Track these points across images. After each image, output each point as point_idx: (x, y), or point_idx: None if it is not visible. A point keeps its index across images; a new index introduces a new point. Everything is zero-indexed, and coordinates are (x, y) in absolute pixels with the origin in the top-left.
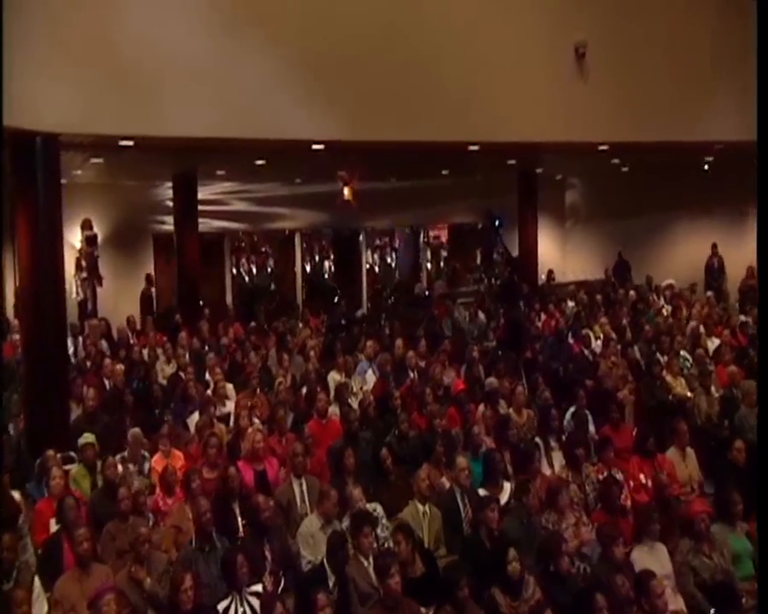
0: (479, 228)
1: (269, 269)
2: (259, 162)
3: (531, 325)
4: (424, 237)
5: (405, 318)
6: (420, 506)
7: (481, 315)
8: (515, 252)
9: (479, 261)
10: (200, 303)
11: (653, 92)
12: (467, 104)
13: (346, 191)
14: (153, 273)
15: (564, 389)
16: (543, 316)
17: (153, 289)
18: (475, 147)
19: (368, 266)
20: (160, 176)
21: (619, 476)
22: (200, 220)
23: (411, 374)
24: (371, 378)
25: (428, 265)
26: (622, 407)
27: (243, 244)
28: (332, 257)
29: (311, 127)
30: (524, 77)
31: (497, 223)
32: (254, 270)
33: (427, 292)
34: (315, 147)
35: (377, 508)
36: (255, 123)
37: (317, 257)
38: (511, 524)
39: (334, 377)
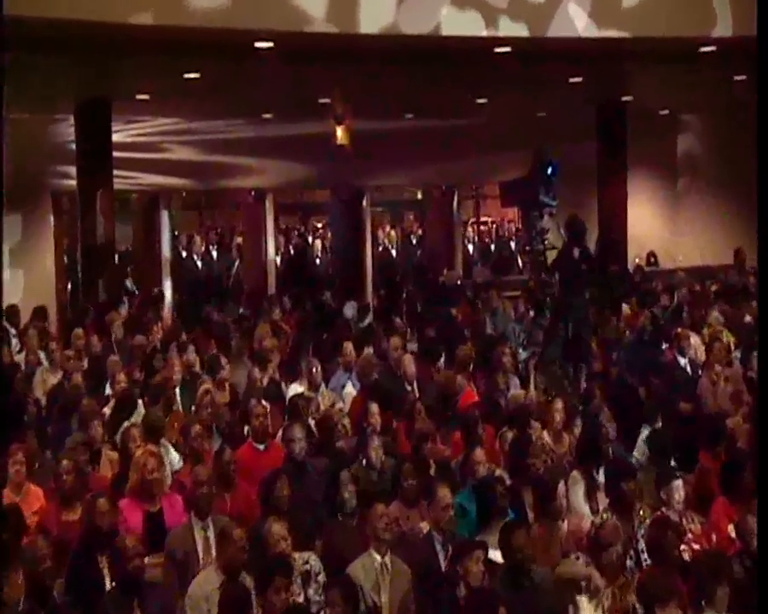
0: (524, 181)
1: (233, 250)
2: (190, 75)
3: (606, 324)
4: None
5: (420, 315)
6: (377, 557)
7: (532, 313)
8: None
9: (533, 233)
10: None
11: None
12: None
13: (339, 131)
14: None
15: (644, 411)
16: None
17: None
18: (505, 50)
19: (380, 247)
20: (62, 107)
21: (695, 525)
22: (125, 172)
23: (409, 387)
24: (351, 393)
25: (470, 245)
26: (733, 439)
27: (189, 209)
28: (320, 229)
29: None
30: None
31: (549, 170)
32: (214, 251)
33: (459, 281)
34: (259, 44)
35: (311, 560)
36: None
37: (299, 230)
38: (505, 582)
39: (296, 390)
